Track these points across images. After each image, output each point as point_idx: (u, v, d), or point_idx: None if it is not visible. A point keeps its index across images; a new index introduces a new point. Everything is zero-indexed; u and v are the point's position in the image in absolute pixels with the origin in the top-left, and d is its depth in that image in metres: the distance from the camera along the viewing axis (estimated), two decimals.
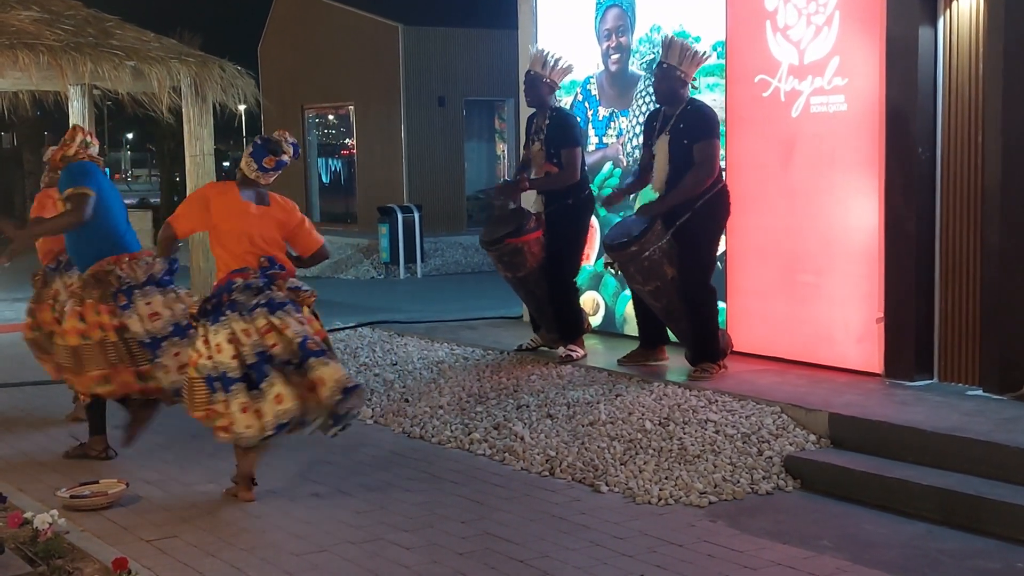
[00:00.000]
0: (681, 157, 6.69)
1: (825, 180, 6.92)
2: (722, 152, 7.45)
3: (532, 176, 7.77)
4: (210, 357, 5.30)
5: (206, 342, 5.34)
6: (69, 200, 6.09)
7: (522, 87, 7.91)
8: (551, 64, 7.66)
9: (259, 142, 5.58)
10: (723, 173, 6.95)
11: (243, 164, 5.58)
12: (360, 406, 5.84)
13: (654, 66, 6.95)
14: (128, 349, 6.11)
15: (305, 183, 21.72)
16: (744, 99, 7.38)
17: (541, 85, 7.65)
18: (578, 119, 8.00)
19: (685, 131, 6.69)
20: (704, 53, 6.95)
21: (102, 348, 6.08)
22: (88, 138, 6.49)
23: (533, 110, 7.87)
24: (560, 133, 7.55)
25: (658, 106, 7.07)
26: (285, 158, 5.56)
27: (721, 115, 7.48)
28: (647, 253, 6.65)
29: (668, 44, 6.81)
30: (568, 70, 7.80)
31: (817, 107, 6.93)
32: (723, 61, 7.50)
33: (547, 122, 7.63)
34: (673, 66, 6.74)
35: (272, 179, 5.63)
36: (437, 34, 19.93)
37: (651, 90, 7.59)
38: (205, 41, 18.95)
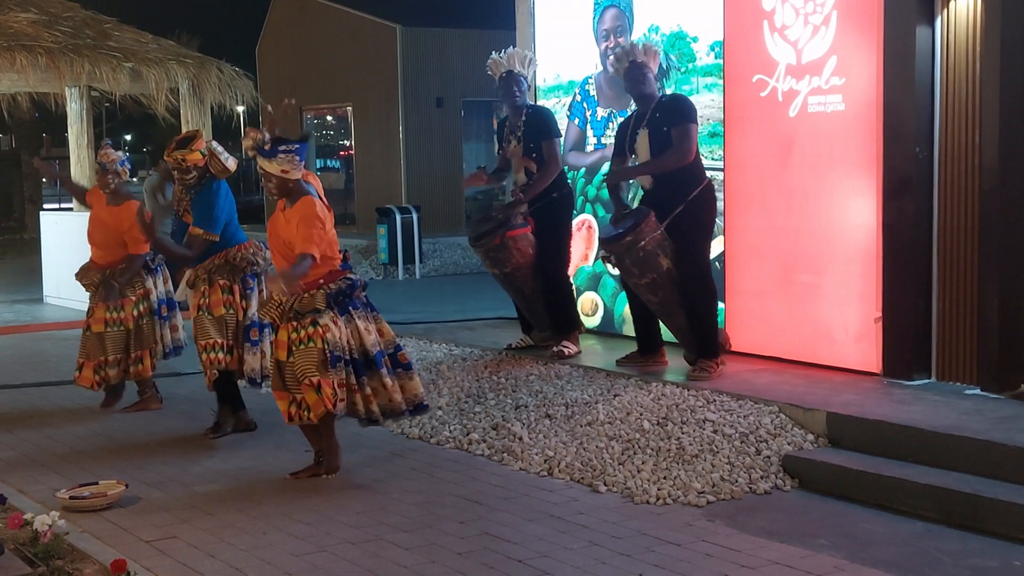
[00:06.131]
0: (662, 143, 6.75)
1: (823, 180, 6.93)
2: (719, 152, 7.50)
3: (515, 180, 7.86)
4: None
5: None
6: None
7: (500, 88, 7.89)
8: (527, 62, 7.82)
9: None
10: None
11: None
12: None
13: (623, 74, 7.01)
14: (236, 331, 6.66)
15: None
16: (742, 99, 7.38)
17: (523, 81, 7.78)
18: (553, 114, 8.03)
19: (663, 119, 6.78)
20: (656, 45, 7.08)
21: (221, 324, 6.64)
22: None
23: (504, 117, 8.01)
24: (537, 126, 7.68)
25: (625, 116, 7.26)
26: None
27: (719, 115, 7.51)
28: (642, 243, 6.67)
29: (627, 48, 7.00)
30: (532, 61, 7.98)
31: (815, 107, 6.94)
32: (721, 61, 7.51)
33: (523, 119, 7.74)
34: (643, 62, 6.90)
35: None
36: (435, 35, 19.93)
37: None
38: (203, 42, 18.98)
